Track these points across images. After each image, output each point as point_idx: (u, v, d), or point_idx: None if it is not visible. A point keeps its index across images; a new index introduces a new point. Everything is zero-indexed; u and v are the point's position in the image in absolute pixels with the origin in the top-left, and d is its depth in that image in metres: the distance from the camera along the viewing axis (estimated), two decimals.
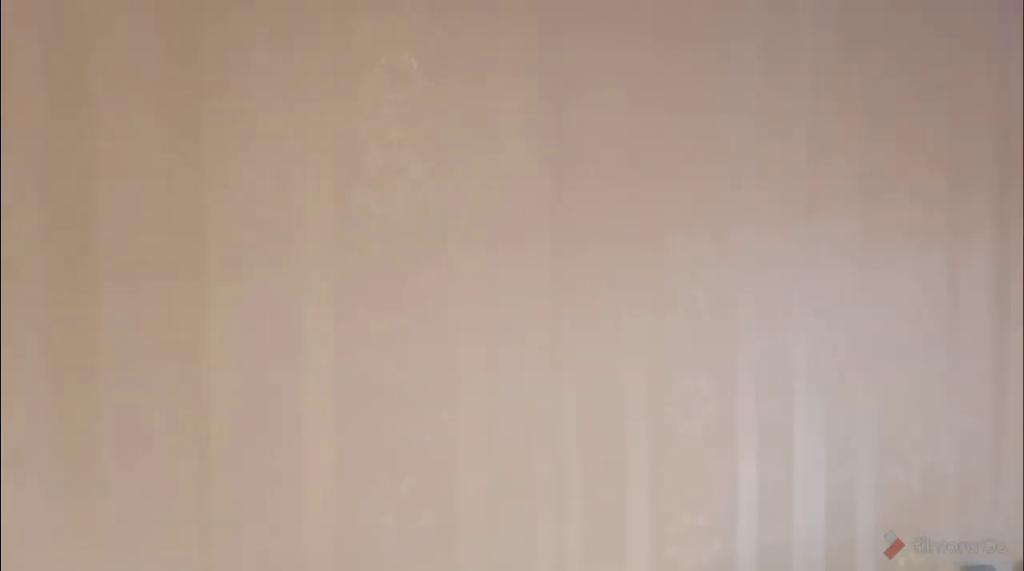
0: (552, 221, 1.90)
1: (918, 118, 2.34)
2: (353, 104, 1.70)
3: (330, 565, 1.69)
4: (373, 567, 1.73)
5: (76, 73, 1.49)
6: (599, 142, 1.94)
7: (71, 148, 1.49)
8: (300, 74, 1.65)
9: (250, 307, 1.63)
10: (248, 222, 1.62)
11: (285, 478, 1.66)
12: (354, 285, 1.71)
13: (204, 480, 1.60)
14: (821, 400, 2.23)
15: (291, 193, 1.65)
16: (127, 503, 1.54)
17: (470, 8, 1.80)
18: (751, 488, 2.13)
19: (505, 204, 1.85)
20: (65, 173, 1.49)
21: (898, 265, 2.32)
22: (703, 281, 2.07)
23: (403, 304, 1.76)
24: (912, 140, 2.33)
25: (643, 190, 1.99)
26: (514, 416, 1.87)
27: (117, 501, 1.53)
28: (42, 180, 1.47)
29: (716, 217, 2.08)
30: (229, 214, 1.60)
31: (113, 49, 1.51)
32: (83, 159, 1.50)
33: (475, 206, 1.81)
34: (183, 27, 1.57)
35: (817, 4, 2.19)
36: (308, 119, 1.66)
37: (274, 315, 1.65)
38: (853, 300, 2.26)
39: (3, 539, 1.45)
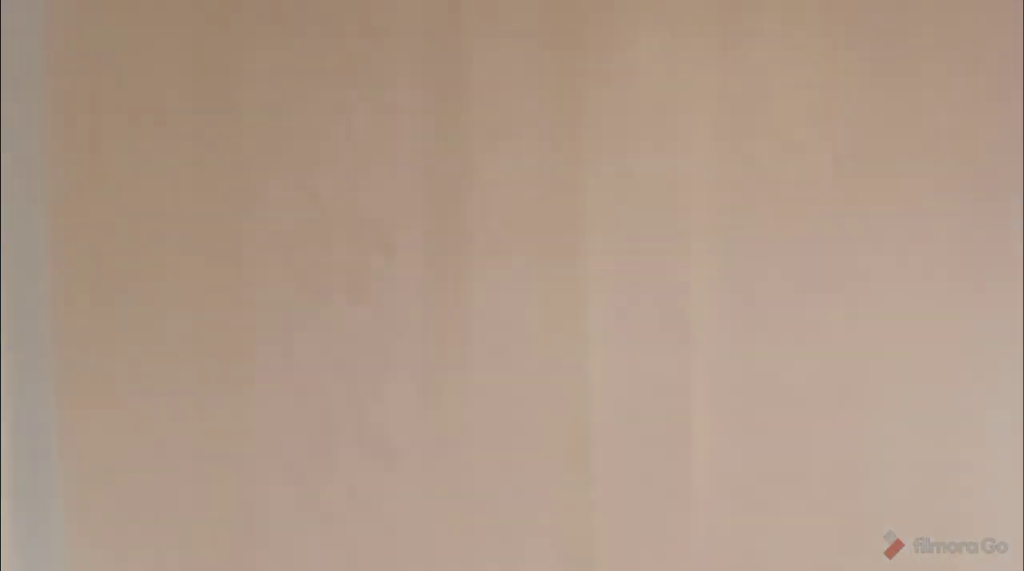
0: None
1: None
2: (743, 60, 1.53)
3: None
4: None
5: (455, 64, 1.51)
6: None
7: (450, 120, 1.51)
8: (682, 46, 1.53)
9: (631, 287, 1.55)
10: (626, 196, 1.55)
11: (670, 489, 1.56)
12: (748, 259, 1.54)
13: (583, 486, 1.55)
14: None
15: (671, 153, 1.55)
16: (503, 510, 1.50)
17: None
18: None
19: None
20: (444, 146, 1.50)
21: None
22: None
23: (813, 283, 1.56)
24: None
25: None
26: (945, 423, 1.61)
27: (492, 507, 1.50)
28: (422, 157, 1.49)
29: None
30: (605, 187, 1.55)
31: (496, 41, 1.51)
32: (460, 130, 1.51)
33: (908, 150, 1.53)
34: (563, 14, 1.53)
35: None
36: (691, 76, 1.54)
37: (658, 295, 1.55)
38: None
39: (381, 529, 1.48)
